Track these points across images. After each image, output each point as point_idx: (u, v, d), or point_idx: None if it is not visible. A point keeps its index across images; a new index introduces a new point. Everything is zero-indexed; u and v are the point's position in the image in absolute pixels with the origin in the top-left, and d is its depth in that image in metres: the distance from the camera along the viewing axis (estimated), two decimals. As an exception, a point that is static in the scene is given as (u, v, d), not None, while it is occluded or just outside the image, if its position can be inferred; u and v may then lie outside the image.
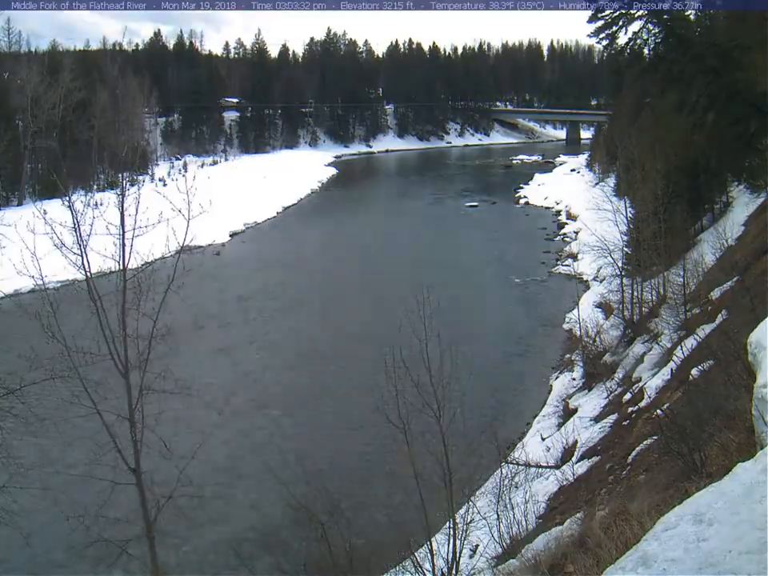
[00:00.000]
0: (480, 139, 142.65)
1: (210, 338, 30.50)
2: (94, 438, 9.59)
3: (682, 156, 28.96)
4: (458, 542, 10.24)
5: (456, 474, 10.36)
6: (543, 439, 20.52)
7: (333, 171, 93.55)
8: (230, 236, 52.43)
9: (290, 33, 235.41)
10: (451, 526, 10.25)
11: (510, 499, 12.86)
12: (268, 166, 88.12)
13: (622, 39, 22.36)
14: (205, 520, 16.96)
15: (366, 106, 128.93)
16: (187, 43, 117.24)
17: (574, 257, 42.46)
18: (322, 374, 27.07)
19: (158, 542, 9.77)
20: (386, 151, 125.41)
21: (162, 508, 9.42)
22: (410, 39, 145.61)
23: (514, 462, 17.16)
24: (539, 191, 72.24)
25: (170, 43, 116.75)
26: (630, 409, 17.45)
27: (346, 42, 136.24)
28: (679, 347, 18.03)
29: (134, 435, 9.15)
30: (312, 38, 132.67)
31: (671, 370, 17.16)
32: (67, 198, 9.04)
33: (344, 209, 67.33)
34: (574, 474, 15.23)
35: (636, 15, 21.69)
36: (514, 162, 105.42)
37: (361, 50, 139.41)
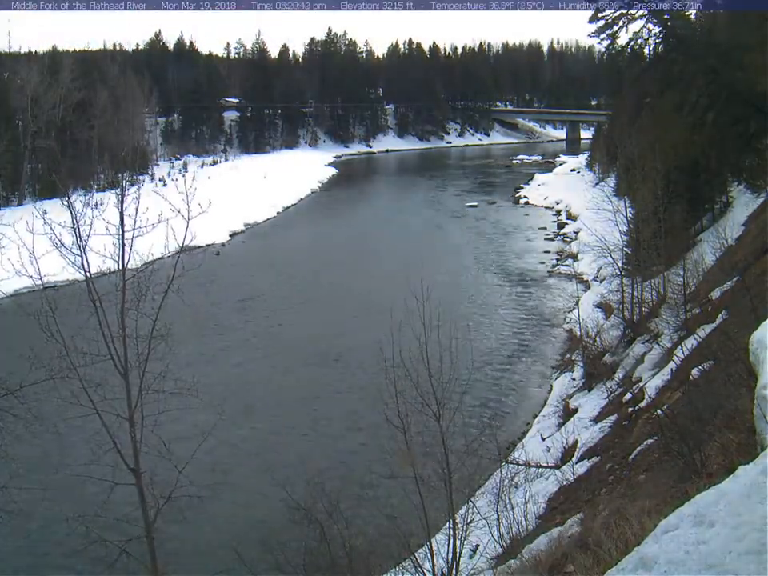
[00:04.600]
0: (480, 139, 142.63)
1: (210, 338, 30.50)
2: (93, 438, 9.58)
3: (682, 156, 28.90)
4: (458, 542, 10.23)
5: (456, 474, 10.34)
6: (543, 439, 20.51)
7: (333, 171, 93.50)
8: (230, 236, 52.40)
9: (290, 33, 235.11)
10: (451, 526, 10.24)
11: (509, 499, 12.84)
12: (268, 166, 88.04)
13: (623, 39, 22.42)
14: (205, 520, 16.94)
15: (366, 106, 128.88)
16: (187, 43, 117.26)
17: (574, 257, 42.42)
18: (322, 373, 27.06)
19: (157, 542, 9.76)
20: (386, 151, 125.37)
21: (161, 508, 9.42)
22: (410, 39, 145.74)
23: (514, 462, 17.15)
24: (539, 191, 72.21)
25: (170, 43, 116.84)
26: (630, 409, 17.43)
27: (346, 42, 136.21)
28: (679, 347, 18.01)
29: (133, 435, 9.15)
30: (312, 38, 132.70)
31: (671, 370, 17.14)
32: (67, 198, 9.04)
33: (344, 209, 67.34)
34: (574, 474, 15.22)
35: (636, 15, 21.73)
36: (514, 161, 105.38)
37: (361, 50, 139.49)
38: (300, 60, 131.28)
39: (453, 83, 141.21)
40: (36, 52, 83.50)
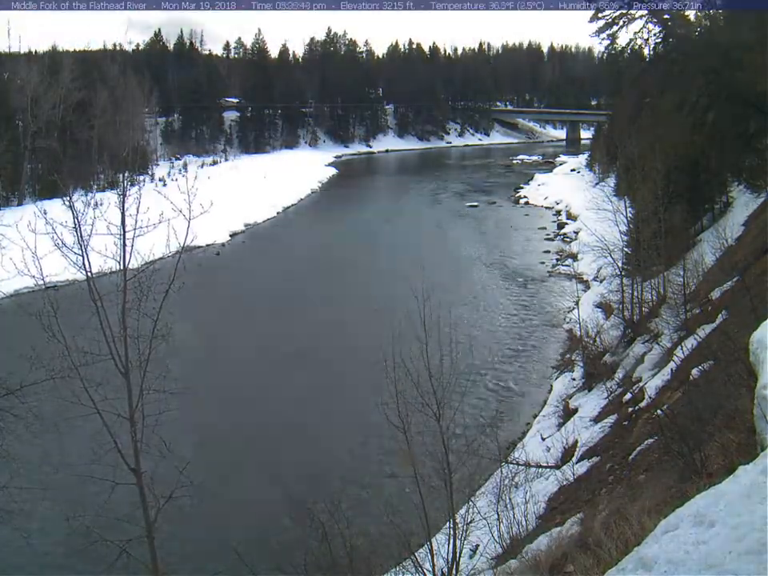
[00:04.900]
0: (480, 139, 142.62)
1: (211, 338, 30.49)
2: (94, 438, 9.59)
3: (682, 156, 28.92)
4: (458, 542, 10.24)
5: (456, 474, 10.36)
6: (543, 439, 20.52)
7: (333, 171, 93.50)
8: (230, 236, 52.39)
9: (290, 33, 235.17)
10: (451, 526, 10.25)
11: (510, 499, 12.86)
12: (268, 166, 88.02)
13: (623, 39, 22.47)
14: (205, 520, 16.97)
15: (366, 106, 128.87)
16: (187, 43, 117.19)
17: (574, 257, 42.42)
18: (323, 373, 27.06)
19: (158, 541, 9.77)
20: (386, 151, 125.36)
21: (161, 508, 9.42)
22: (410, 39, 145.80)
23: (514, 462, 17.16)
24: (539, 191, 72.21)
25: (170, 43, 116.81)
26: (630, 409, 17.44)
27: (346, 41, 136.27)
28: (679, 347, 18.02)
29: (134, 435, 9.15)
30: (312, 38, 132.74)
31: (671, 370, 17.16)
32: (68, 198, 9.04)
33: (344, 209, 67.34)
34: (574, 474, 15.23)
35: (636, 15, 21.78)
36: (514, 161, 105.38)
37: (361, 50, 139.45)
38: (300, 60, 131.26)
39: (453, 83, 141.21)
40: (36, 52, 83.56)
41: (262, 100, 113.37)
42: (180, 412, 11.03)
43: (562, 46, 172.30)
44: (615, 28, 21.62)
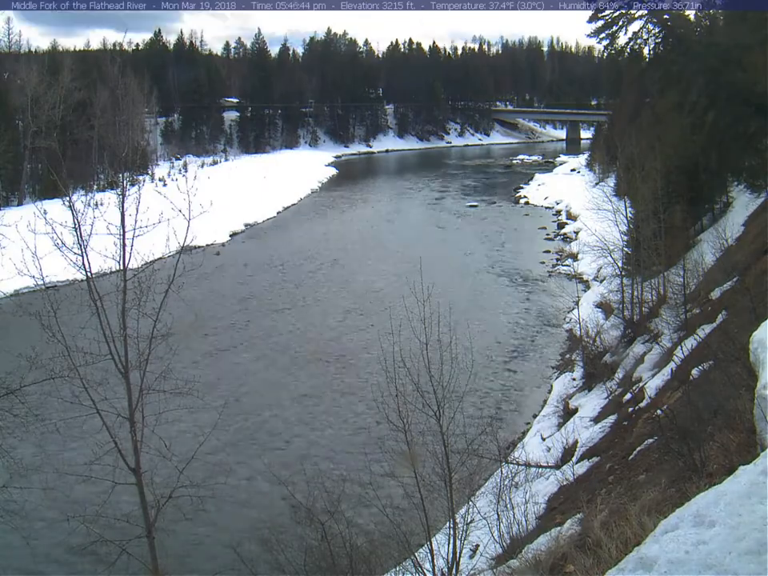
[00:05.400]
0: (480, 139, 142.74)
1: (210, 338, 30.50)
2: (94, 438, 9.59)
3: (682, 156, 28.94)
4: (458, 542, 10.23)
5: (456, 473, 10.35)
6: (543, 439, 20.52)
7: (333, 171, 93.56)
8: (230, 236, 52.43)
9: (290, 32, 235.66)
10: (451, 526, 10.23)
11: (510, 499, 12.83)
12: (268, 166, 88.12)
13: (622, 39, 22.43)
14: (205, 520, 16.95)
15: (366, 106, 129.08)
16: (187, 43, 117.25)
17: (574, 257, 42.44)
18: (322, 373, 27.08)
19: (158, 541, 9.77)
20: (386, 151, 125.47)
21: (161, 508, 9.42)
22: (410, 39, 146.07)
23: (514, 461, 17.13)
24: (539, 191, 72.25)
25: (170, 43, 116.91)
26: (630, 409, 17.44)
27: (346, 41, 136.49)
28: (679, 347, 18.01)
29: (134, 435, 9.16)
30: (312, 38, 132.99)
31: (671, 370, 17.15)
32: (68, 198, 9.04)
33: (344, 209, 67.34)
34: (574, 474, 15.22)
35: (636, 15, 21.73)
36: (514, 161, 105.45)
37: (361, 49, 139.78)
38: (300, 60, 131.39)
39: (453, 83, 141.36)
40: (36, 52, 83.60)
41: (262, 100, 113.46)
42: (180, 412, 11.03)
43: (562, 46, 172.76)
44: (614, 28, 21.56)
